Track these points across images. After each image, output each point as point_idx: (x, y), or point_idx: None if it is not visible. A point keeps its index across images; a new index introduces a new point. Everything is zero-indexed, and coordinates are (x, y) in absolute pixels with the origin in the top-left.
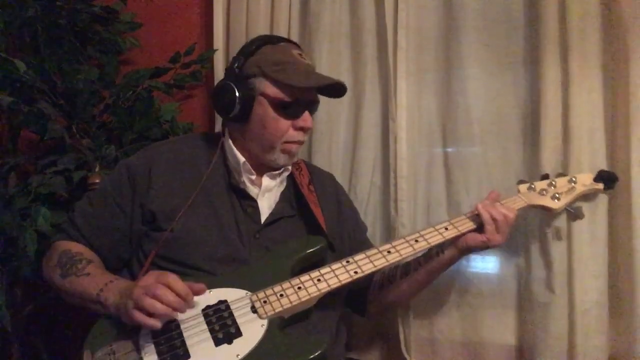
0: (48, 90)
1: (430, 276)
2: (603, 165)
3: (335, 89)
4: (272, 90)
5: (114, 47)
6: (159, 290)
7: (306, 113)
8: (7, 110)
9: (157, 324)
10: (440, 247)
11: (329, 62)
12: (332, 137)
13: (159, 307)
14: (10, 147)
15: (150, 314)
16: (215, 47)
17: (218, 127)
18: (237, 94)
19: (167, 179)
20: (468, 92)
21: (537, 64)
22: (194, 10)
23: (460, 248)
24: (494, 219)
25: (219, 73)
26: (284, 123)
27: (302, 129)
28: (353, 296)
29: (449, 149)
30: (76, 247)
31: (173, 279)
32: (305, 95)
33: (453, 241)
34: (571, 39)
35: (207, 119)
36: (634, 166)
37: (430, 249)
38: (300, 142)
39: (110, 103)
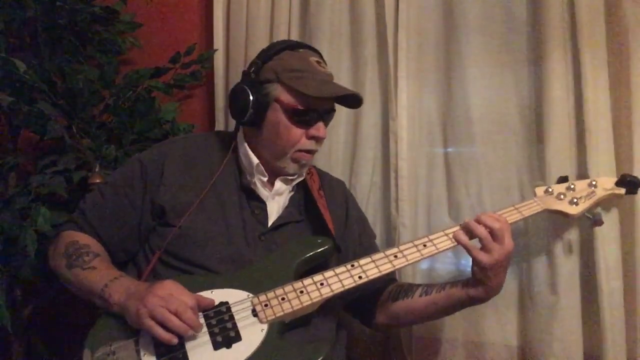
0: (48, 90)
1: (449, 301)
2: (612, 164)
3: (351, 100)
4: (286, 97)
5: (114, 47)
6: (178, 306)
7: (320, 123)
8: (7, 110)
9: (174, 339)
10: (469, 281)
11: (329, 62)
12: (332, 136)
13: (178, 324)
14: (10, 147)
15: (168, 328)
16: (215, 47)
17: (218, 128)
18: (251, 98)
19: (179, 176)
20: (468, 91)
21: (541, 63)
22: (194, 10)
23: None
24: (480, 238)
25: (219, 73)
26: (297, 131)
27: (314, 138)
28: (360, 304)
29: (450, 149)
30: (84, 239)
31: (191, 299)
32: (320, 104)
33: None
34: (581, 37)
35: (207, 119)
36: (636, 165)
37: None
38: (311, 152)
39: (110, 103)
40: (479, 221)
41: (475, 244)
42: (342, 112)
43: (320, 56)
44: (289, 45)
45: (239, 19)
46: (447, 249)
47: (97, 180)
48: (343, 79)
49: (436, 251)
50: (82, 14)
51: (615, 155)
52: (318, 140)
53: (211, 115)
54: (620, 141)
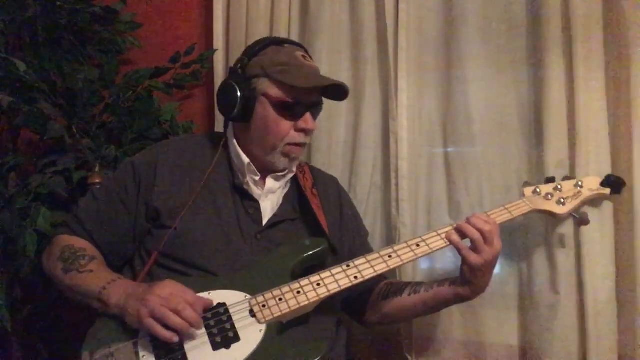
0: (48, 90)
1: (437, 300)
2: (608, 165)
3: (338, 91)
4: (274, 90)
5: (114, 47)
6: (178, 304)
7: (307, 114)
8: (7, 110)
9: (175, 337)
10: (456, 280)
11: (329, 62)
12: (332, 136)
13: (178, 322)
14: (10, 147)
15: (165, 326)
16: (215, 47)
17: (218, 128)
18: (239, 93)
19: (172, 178)
20: (469, 91)
21: (539, 63)
22: (194, 10)
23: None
24: (472, 240)
25: (219, 73)
26: (286, 124)
27: (303, 131)
28: (352, 301)
29: (450, 149)
30: (79, 242)
31: (192, 297)
32: (307, 96)
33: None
34: (576, 38)
35: (207, 119)
36: (636, 166)
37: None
38: (301, 145)
39: (110, 103)
40: (470, 223)
41: (466, 244)
42: (342, 112)
43: (306, 51)
44: (274, 41)
45: (239, 19)
46: (439, 249)
47: (97, 180)
48: (343, 79)
49: (429, 251)
50: (82, 14)
51: (614, 156)
52: (307, 132)
53: (211, 115)
54: (618, 141)
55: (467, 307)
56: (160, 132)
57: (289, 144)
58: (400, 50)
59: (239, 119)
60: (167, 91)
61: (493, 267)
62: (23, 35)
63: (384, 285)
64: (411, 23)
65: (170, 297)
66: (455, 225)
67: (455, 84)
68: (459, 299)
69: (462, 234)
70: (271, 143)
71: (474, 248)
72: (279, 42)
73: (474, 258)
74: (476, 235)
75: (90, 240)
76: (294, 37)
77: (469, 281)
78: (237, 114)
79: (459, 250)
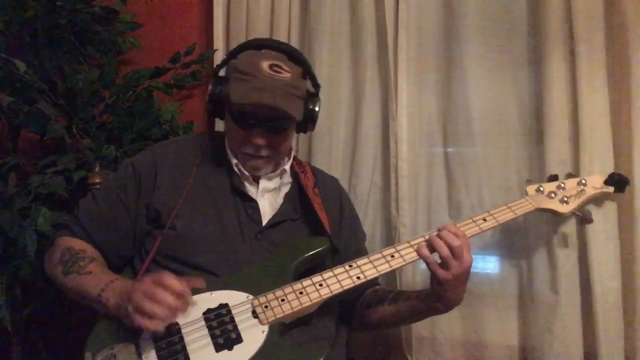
0: (48, 90)
1: (411, 311)
2: (611, 164)
3: (282, 117)
4: (232, 97)
5: (114, 47)
6: (157, 293)
7: (257, 129)
8: (7, 110)
9: (159, 327)
10: (429, 293)
11: (329, 62)
12: (332, 136)
13: (158, 310)
14: (10, 147)
15: (152, 317)
16: (215, 47)
17: (218, 128)
18: (209, 91)
19: (172, 178)
20: (469, 91)
21: (541, 63)
22: (194, 10)
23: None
24: (441, 256)
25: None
26: (239, 133)
27: (253, 144)
28: (342, 306)
29: (450, 149)
30: (79, 244)
31: (168, 279)
32: (258, 111)
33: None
34: (578, 38)
35: (207, 119)
36: (636, 166)
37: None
38: (257, 157)
39: (110, 103)
40: (440, 237)
41: (436, 258)
42: (342, 113)
43: (285, 60)
44: (255, 45)
45: (239, 19)
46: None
47: (97, 180)
48: (343, 79)
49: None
50: (82, 14)
51: (614, 155)
52: (256, 148)
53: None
54: (620, 142)
55: (467, 307)
56: (160, 132)
57: (244, 153)
58: (400, 50)
59: (215, 116)
60: (167, 91)
61: (464, 280)
62: (23, 35)
63: (370, 293)
64: (411, 23)
65: (152, 289)
66: (427, 237)
67: (455, 83)
68: (433, 312)
69: (432, 248)
70: (233, 146)
71: (443, 264)
72: (259, 46)
73: (441, 273)
74: (445, 251)
75: (90, 242)
76: (294, 37)
77: (439, 295)
78: (210, 111)
79: (427, 265)
